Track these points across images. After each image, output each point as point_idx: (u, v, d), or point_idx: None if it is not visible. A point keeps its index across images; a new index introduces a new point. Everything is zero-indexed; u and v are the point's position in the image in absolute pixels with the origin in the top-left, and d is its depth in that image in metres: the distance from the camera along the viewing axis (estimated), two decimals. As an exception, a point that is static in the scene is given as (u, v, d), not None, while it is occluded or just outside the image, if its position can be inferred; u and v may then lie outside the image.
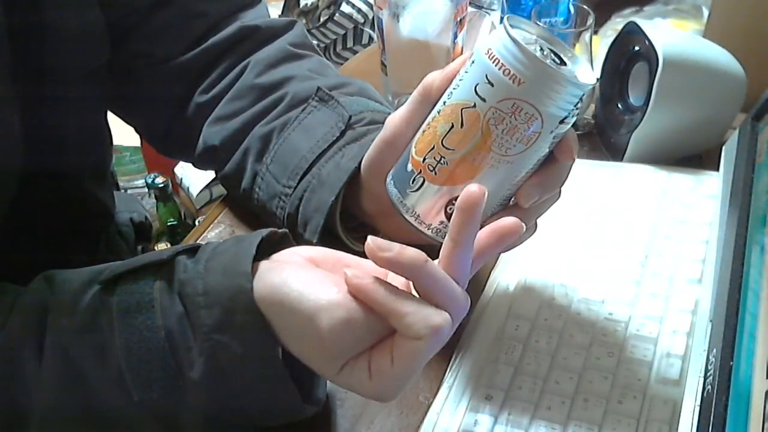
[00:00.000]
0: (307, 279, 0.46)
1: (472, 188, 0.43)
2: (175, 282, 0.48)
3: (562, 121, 0.47)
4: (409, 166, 0.51)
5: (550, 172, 0.51)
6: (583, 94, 0.47)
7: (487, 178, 0.49)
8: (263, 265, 0.48)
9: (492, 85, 0.46)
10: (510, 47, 0.46)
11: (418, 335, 0.43)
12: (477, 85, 0.47)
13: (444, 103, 0.49)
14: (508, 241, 0.46)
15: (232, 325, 0.46)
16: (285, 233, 0.52)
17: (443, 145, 0.49)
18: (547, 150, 0.49)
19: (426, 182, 0.50)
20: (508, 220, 0.46)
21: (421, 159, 0.50)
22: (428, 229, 0.51)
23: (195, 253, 0.49)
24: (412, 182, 0.51)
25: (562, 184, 0.53)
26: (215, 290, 0.47)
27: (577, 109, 0.47)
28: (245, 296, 0.46)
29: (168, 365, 0.46)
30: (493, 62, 0.46)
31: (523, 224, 0.46)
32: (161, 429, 0.49)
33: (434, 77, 0.52)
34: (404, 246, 0.44)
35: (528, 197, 0.50)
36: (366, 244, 0.45)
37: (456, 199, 0.49)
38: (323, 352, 0.45)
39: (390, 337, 0.45)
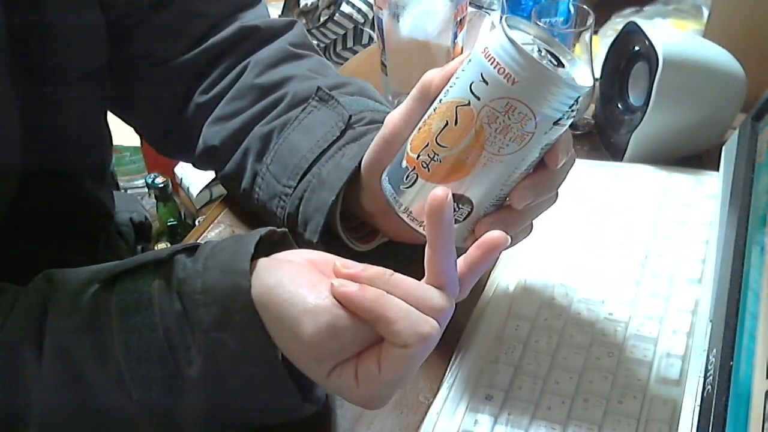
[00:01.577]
0: (300, 281, 0.46)
1: (437, 192, 0.44)
2: (174, 280, 0.48)
3: (556, 123, 0.47)
4: (404, 163, 0.51)
5: (544, 175, 0.51)
6: (579, 97, 0.47)
7: (479, 177, 0.49)
8: (262, 263, 0.48)
9: (487, 84, 0.46)
10: (506, 46, 0.46)
11: (406, 343, 0.43)
12: (472, 83, 0.47)
13: (440, 100, 0.49)
14: (496, 253, 0.46)
15: (230, 324, 0.46)
16: (284, 232, 0.52)
17: (437, 143, 0.49)
18: (541, 152, 0.49)
19: (419, 179, 0.50)
20: (495, 234, 0.46)
21: (416, 156, 0.50)
22: (420, 226, 0.51)
23: (194, 252, 0.50)
24: (406, 179, 0.51)
25: (558, 188, 0.53)
26: (214, 288, 0.47)
27: (572, 111, 0.47)
28: (243, 295, 0.46)
29: (167, 364, 0.46)
30: (489, 61, 0.46)
31: (509, 237, 0.46)
32: (161, 428, 0.49)
33: (433, 75, 0.52)
34: (368, 265, 0.46)
35: (520, 199, 0.50)
36: (334, 264, 0.47)
37: None
38: (310, 355, 0.45)
39: (378, 344, 0.45)
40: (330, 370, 0.45)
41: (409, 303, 0.44)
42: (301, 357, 0.46)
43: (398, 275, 0.46)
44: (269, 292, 0.46)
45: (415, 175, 0.50)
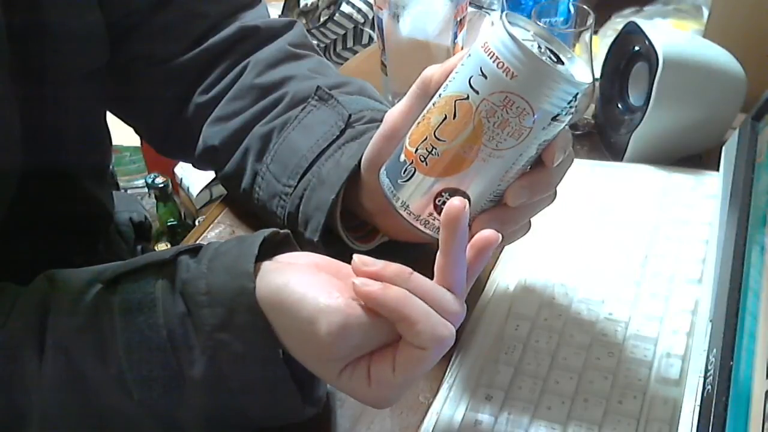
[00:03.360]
0: (309, 282, 0.46)
1: (453, 201, 0.45)
2: (177, 281, 0.48)
3: (555, 119, 0.47)
4: (402, 157, 0.51)
5: (540, 174, 0.51)
6: (578, 93, 0.47)
7: (477, 172, 0.49)
8: (266, 265, 0.48)
9: (485, 78, 0.47)
10: (505, 41, 0.46)
11: (424, 345, 0.44)
12: (471, 77, 0.47)
13: (439, 95, 0.50)
14: (489, 252, 0.47)
15: (234, 325, 0.46)
16: (287, 234, 0.52)
17: (435, 136, 0.49)
18: (539, 148, 0.49)
19: (417, 172, 0.50)
20: (486, 233, 0.46)
21: (414, 150, 0.50)
22: (417, 220, 0.51)
23: (197, 253, 0.50)
24: (404, 172, 0.51)
25: (555, 187, 0.53)
26: (218, 290, 0.47)
27: (571, 107, 0.47)
28: (248, 296, 0.46)
29: (169, 365, 0.46)
30: (488, 55, 0.46)
31: (500, 235, 0.47)
32: (161, 429, 0.49)
33: (433, 71, 0.52)
34: (388, 262, 0.46)
35: (516, 197, 0.50)
36: (352, 261, 0.46)
37: (445, 191, 0.49)
38: (321, 355, 0.46)
39: (391, 346, 0.45)
40: (341, 370, 0.45)
41: (427, 304, 0.45)
42: (313, 356, 0.46)
43: (417, 275, 0.46)
44: (278, 292, 0.46)
45: (413, 169, 0.50)
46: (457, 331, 0.45)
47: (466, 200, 0.46)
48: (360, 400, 0.47)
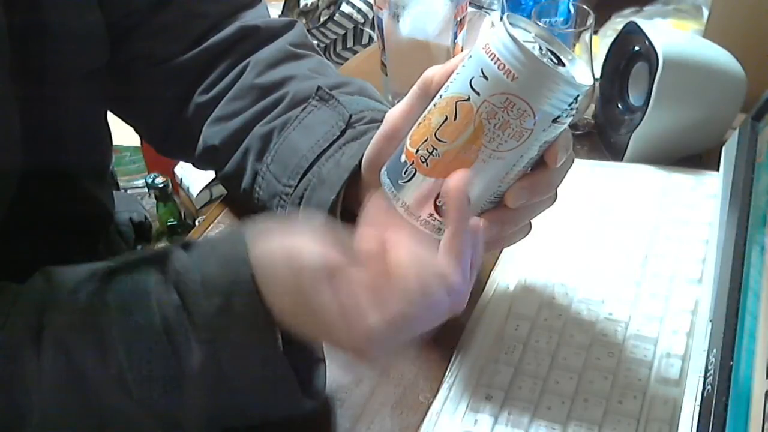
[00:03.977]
0: (295, 238, 0.47)
1: (455, 174, 0.46)
2: (171, 274, 0.48)
3: (555, 120, 0.47)
4: (403, 158, 0.51)
5: (541, 175, 0.51)
6: (578, 95, 0.47)
7: (477, 173, 0.49)
8: (256, 246, 0.48)
9: (486, 79, 0.47)
10: (507, 42, 0.46)
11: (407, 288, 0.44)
12: (472, 78, 0.47)
13: (440, 96, 0.50)
14: (479, 237, 0.47)
15: (231, 312, 0.46)
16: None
17: (436, 137, 0.49)
18: (540, 150, 0.49)
19: (417, 173, 0.50)
20: (473, 220, 0.47)
21: (415, 150, 0.50)
22: (417, 221, 0.51)
23: (190, 247, 0.50)
24: (404, 173, 0.51)
25: (555, 188, 0.53)
26: (213, 279, 0.47)
27: (572, 109, 0.47)
28: (244, 282, 0.46)
29: (166, 357, 0.46)
30: (489, 57, 0.46)
31: (482, 220, 0.47)
32: (160, 425, 0.49)
33: (434, 71, 0.52)
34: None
35: (515, 198, 0.50)
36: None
37: None
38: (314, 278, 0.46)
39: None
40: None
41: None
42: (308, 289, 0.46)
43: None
44: (265, 253, 0.47)
45: (414, 170, 0.50)
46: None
47: (466, 172, 0.46)
48: (343, 347, 0.47)
